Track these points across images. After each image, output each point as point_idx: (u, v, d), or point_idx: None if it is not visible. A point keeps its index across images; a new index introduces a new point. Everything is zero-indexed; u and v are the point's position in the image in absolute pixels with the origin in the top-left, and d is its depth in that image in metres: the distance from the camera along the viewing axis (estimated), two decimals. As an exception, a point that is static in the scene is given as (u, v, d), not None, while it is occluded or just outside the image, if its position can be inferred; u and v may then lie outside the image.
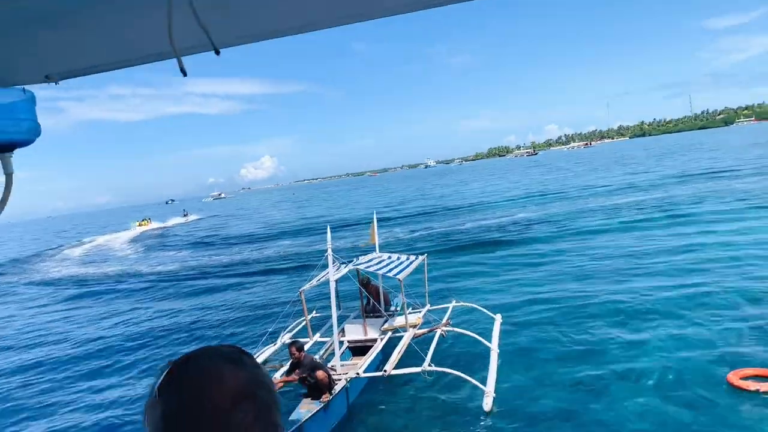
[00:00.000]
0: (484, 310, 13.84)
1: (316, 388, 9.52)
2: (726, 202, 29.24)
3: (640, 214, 29.27)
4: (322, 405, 9.14)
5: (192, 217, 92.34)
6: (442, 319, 12.64)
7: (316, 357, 10.73)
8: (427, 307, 13.69)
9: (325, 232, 11.51)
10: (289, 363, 9.96)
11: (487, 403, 9.38)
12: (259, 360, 11.39)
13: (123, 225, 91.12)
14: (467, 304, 14.20)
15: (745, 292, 13.98)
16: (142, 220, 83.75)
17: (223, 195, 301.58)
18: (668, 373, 10.31)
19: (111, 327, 20.46)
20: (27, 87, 1.79)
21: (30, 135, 1.81)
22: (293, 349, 9.59)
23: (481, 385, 9.76)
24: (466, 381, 9.95)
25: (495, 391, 9.73)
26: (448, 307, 13.69)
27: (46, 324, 22.67)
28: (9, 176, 1.76)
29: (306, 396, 9.66)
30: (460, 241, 29.22)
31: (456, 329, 12.19)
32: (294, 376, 9.61)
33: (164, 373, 1.01)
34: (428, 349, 10.68)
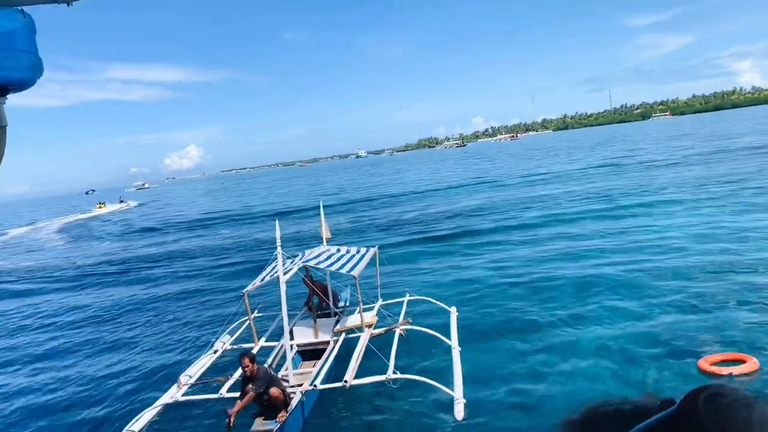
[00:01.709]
0: (439, 303, 13.14)
1: (270, 406, 8.34)
2: (664, 190, 29.82)
3: (580, 203, 29.43)
4: (278, 425, 8.03)
5: (133, 204, 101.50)
6: (396, 314, 11.77)
7: (265, 366, 9.55)
8: (380, 302, 12.78)
9: (266, 221, 10.35)
10: (235, 376, 8.72)
11: (459, 411, 8.54)
12: (198, 372, 10.18)
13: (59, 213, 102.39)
14: (421, 297, 13.38)
15: (694, 282, 13.95)
16: (100, 204, 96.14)
17: (146, 185, 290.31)
18: (634, 363, 10.06)
19: (21, 332, 18.42)
20: (27, 9, 1.35)
21: (31, 72, 1.36)
22: (246, 361, 8.32)
23: (449, 391, 8.92)
24: (433, 386, 9.05)
25: (464, 396, 8.92)
26: (402, 302, 12.88)
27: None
28: (1, 130, 1.40)
29: (259, 415, 8.46)
30: (405, 231, 28.52)
31: (415, 327, 11.30)
32: (252, 394, 8.32)
33: None
34: (389, 353, 9.72)
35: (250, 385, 8.33)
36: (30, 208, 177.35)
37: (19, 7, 1.31)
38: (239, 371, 8.71)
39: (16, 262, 37.57)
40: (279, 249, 9.63)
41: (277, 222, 10.42)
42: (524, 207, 31.04)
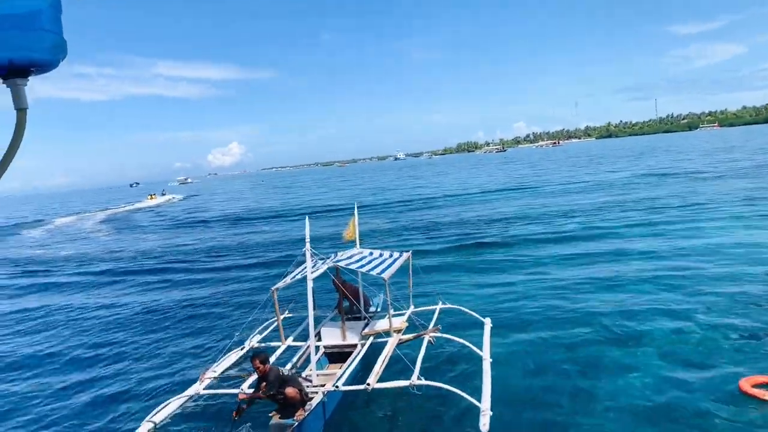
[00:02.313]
0: (473, 314, 12.71)
1: (288, 404, 8.25)
2: (711, 203, 28.79)
3: (626, 214, 28.55)
4: (295, 423, 7.92)
5: (178, 197, 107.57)
6: (427, 322, 11.47)
7: (289, 365, 9.44)
8: (411, 308, 12.49)
9: (303, 220, 10.20)
10: (255, 375, 8.69)
11: (484, 424, 8.14)
12: (222, 368, 10.14)
13: (93, 206, 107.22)
14: (454, 306, 13.05)
15: (741, 297, 13.42)
16: (151, 195, 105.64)
17: (189, 180, 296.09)
18: (673, 382, 9.69)
19: (54, 327, 18.69)
20: None
21: (54, 54, 1.32)
22: (256, 362, 8.33)
23: (476, 402, 8.57)
24: (459, 396, 8.78)
25: (492, 408, 8.58)
26: (434, 310, 12.57)
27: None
28: (22, 113, 1.31)
29: (277, 413, 8.38)
30: (441, 236, 28.01)
31: (445, 335, 10.98)
32: (260, 393, 8.37)
33: None
34: (416, 359, 9.48)
35: (263, 384, 8.34)
36: (75, 199, 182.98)
37: None
38: None
39: (62, 251, 38.55)
40: (308, 246, 9.51)
41: (307, 218, 10.31)
42: (566, 215, 30.31)
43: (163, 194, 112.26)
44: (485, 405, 8.51)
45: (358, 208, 14.36)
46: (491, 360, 10.27)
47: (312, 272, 9.80)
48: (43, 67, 1.34)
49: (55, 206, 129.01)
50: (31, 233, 56.44)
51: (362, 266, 11.15)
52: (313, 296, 9.60)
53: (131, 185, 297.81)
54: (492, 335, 11.75)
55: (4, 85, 1.35)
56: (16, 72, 1.29)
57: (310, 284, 9.35)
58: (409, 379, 8.77)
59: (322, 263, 11.25)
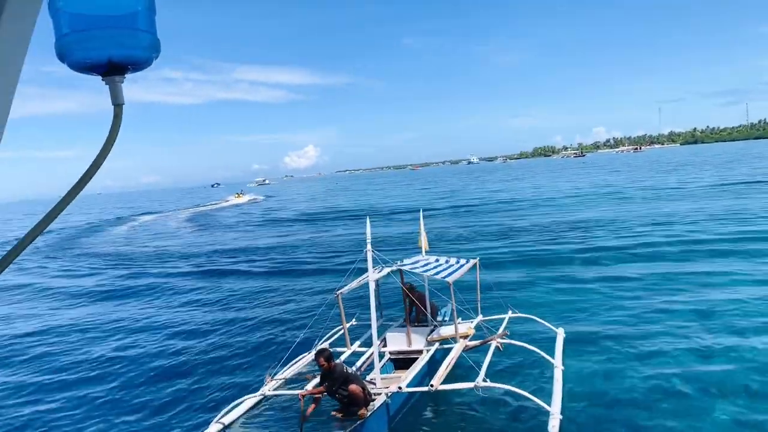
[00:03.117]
0: (545, 323, 12.31)
1: (351, 403, 8.23)
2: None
3: (715, 223, 26.90)
4: (358, 422, 7.90)
5: (260, 197, 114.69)
6: (495, 330, 11.17)
7: (353, 368, 9.38)
8: (479, 317, 12.23)
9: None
10: (319, 375, 8.69)
11: (554, 426, 7.90)
12: (289, 370, 10.19)
13: (184, 202, 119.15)
14: (525, 315, 12.64)
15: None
16: (237, 194, 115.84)
17: (267, 181, 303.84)
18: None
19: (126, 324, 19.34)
20: None
21: (149, 52, 1.44)
22: (321, 359, 8.37)
23: (545, 405, 8.29)
24: (527, 400, 8.49)
25: (561, 413, 8.25)
26: (503, 318, 12.28)
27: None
28: (118, 108, 1.43)
29: (339, 412, 8.35)
30: (514, 242, 27.23)
31: (514, 342, 10.64)
32: (321, 388, 8.42)
33: None
34: (482, 363, 9.25)
35: (327, 383, 8.38)
36: (166, 197, 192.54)
37: None
38: None
39: (145, 247, 40.41)
40: (369, 246, 9.48)
41: (367, 219, 10.29)
42: (648, 224, 28.77)
43: (242, 193, 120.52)
44: (555, 409, 8.30)
45: (427, 212, 14.16)
46: (563, 368, 9.92)
47: (375, 273, 9.73)
48: (139, 65, 1.44)
49: (165, 202, 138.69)
50: (143, 220, 59.31)
51: (427, 270, 11.03)
52: (379, 304, 9.49)
53: (213, 185, 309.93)
54: (565, 345, 11.34)
55: (103, 82, 1.44)
56: (114, 69, 1.40)
57: (372, 285, 9.33)
58: (474, 381, 8.60)
59: (386, 266, 11.18)
